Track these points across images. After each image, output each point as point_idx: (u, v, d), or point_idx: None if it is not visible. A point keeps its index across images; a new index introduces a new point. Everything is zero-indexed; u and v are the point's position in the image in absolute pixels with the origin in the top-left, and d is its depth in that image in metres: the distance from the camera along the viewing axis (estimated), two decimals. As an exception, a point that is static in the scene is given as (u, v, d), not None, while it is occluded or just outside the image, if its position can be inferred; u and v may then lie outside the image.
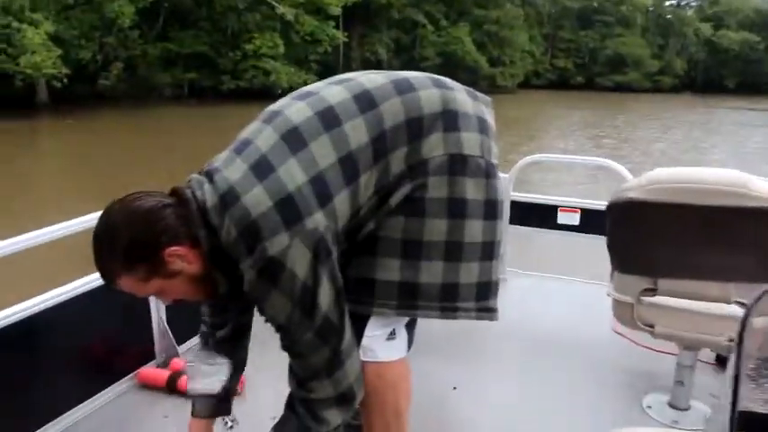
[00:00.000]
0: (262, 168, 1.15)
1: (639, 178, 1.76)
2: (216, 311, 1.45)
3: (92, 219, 1.91)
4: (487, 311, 1.32)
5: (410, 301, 1.25)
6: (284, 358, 1.26)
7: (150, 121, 20.49)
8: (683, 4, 57.64)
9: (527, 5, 45.71)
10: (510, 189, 3.00)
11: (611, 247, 1.88)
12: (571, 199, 3.05)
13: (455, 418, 2.03)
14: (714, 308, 1.79)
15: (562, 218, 2.99)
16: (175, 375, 2.09)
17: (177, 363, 2.19)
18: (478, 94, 1.38)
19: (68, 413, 1.91)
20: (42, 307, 1.81)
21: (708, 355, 2.29)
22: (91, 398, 2.00)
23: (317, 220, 1.13)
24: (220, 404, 1.47)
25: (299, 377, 1.24)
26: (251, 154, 1.17)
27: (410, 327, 1.44)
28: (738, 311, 1.76)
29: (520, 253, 3.26)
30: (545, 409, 2.04)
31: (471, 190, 1.25)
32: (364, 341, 1.29)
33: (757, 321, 0.85)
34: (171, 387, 2.08)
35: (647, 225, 1.75)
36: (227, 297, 1.24)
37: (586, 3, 51.03)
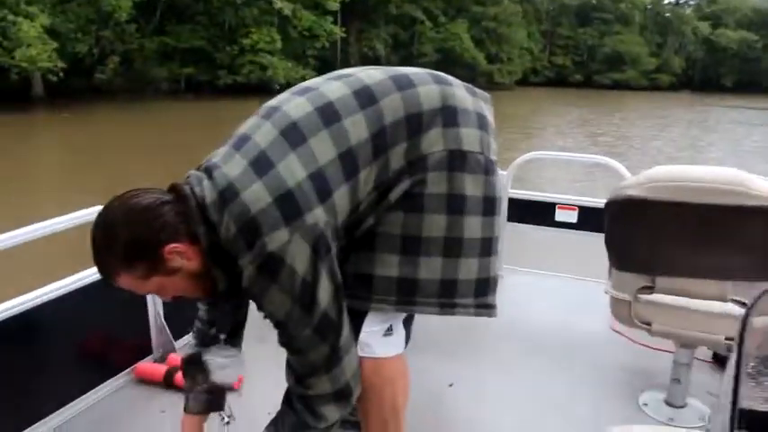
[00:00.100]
0: (261, 164, 1.14)
1: (638, 176, 1.76)
2: (211, 308, 1.45)
3: (89, 213, 1.91)
4: (486, 308, 1.32)
5: (409, 297, 1.25)
6: (281, 354, 1.26)
7: (146, 115, 20.42)
8: (681, 2, 57.79)
9: (525, 2, 45.68)
10: (508, 186, 3.00)
11: (609, 245, 1.88)
12: (569, 196, 3.05)
13: (451, 415, 2.03)
14: (711, 306, 1.79)
15: (560, 215, 2.99)
16: (172, 370, 2.09)
17: (174, 358, 2.19)
18: (477, 90, 1.38)
19: (65, 407, 1.91)
20: (39, 301, 1.80)
21: (704, 352, 2.30)
22: (88, 392, 1.99)
23: (317, 215, 1.13)
24: (213, 400, 1.47)
25: (297, 373, 1.23)
26: (250, 150, 1.17)
27: (408, 323, 1.44)
28: (735, 310, 1.76)
29: (517, 250, 3.26)
30: (541, 407, 2.05)
31: (470, 186, 1.25)
32: (362, 337, 1.29)
33: (757, 321, 0.86)
34: (168, 382, 2.07)
35: (646, 223, 1.75)
36: (226, 294, 1.23)
37: (585, 0, 51.04)
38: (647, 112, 28.89)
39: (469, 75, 30.65)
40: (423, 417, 1.86)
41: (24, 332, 1.78)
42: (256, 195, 1.11)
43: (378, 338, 1.31)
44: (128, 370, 2.15)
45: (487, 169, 1.28)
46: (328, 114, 1.19)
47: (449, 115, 1.25)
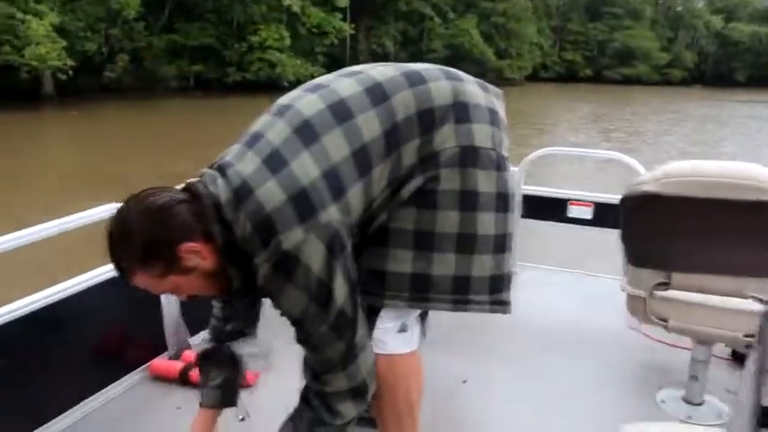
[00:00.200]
0: (274, 162, 1.14)
1: (654, 172, 1.74)
2: (226, 305, 1.45)
3: (103, 211, 1.91)
4: (501, 304, 1.32)
5: (422, 293, 1.25)
6: (297, 351, 1.26)
7: (155, 113, 20.53)
8: (693, -5, 57.10)
9: (535, -3, 45.42)
10: (521, 182, 2.98)
11: (625, 241, 1.87)
12: (583, 192, 3.02)
13: (465, 412, 2.02)
14: (729, 302, 1.77)
15: (573, 211, 2.97)
16: (187, 367, 2.09)
17: (189, 355, 2.19)
18: (489, 86, 1.38)
19: (81, 404, 1.92)
20: (55, 299, 1.81)
21: (722, 349, 2.27)
22: (103, 389, 2.00)
23: (331, 213, 1.12)
24: (226, 395, 1.48)
25: (314, 370, 1.23)
26: (263, 148, 1.16)
27: (422, 319, 1.43)
28: (755, 306, 1.74)
29: (531, 247, 3.24)
30: (556, 404, 2.04)
31: (483, 182, 1.24)
32: (376, 333, 1.29)
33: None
34: (183, 379, 2.08)
35: (662, 218, 1.74)
36: (242, 292, 1.23)
37: (595, -6, 50.69)
38: (658, 107, 28.68)
39: (479, 70, 30.49)
40: (437, 413, 1.86)
41: (40, 329, 1.79)
42: (270, 193, 1.11)
43: (392, 335, 1.31)
44: (143, 367, 2.16)
45: (499, 165, 1.28)
46: (341, 112, 1.18)
47: (461, 111, 1.24)
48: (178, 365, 2.13)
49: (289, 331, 1.23)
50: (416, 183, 1.21)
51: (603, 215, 2.88)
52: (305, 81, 1.33)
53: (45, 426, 1.80)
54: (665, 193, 1.67)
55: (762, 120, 24.77)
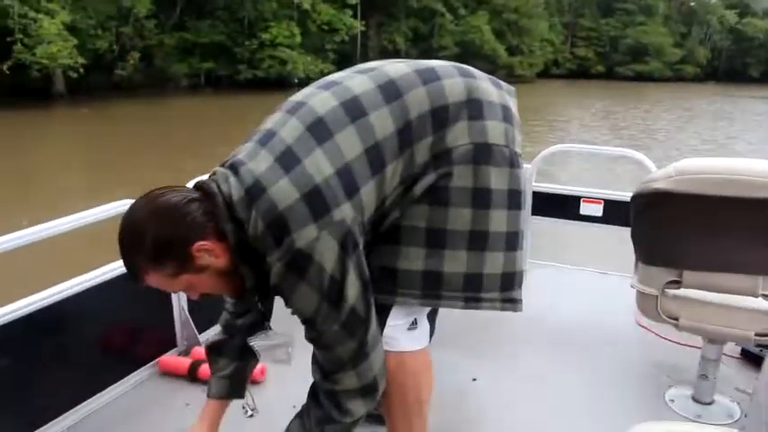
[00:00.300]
0: (287, 160, 1.13)
1: (667, 169, 1.72)
2: (238, 300, 1.46)
3: (115, 207, 1.93)
4: (512, 302, 1.31)
5: (434, 291, 1.25)
6: (305, 347, 1.26)
7: (166, 110, 20.61)
8: (706, -9, 56.47)
9: (546, -7, 45.12)
10: (532, 179, 2.97)
11: (636, 239, 1.85)
12: (594, 190, 3.01)
13: (475, 410, 2.02)
14: (741, 301, 1.76)
15: (585, 209, 2.95)
16: (197, 363, 2.10)
17: (198, 351, 2.20)
18: (502, 83, 1.37)
19: (91, 400, 1.94)
20: (64, 295, 1.83)
21: (732, 348, 2.26)
22: (112, 385, 2.02)
23: (345, 211, 1.12)
24: (233, 386, 1.49)
25: (325, 369, 1.23)
26: (276, 145, 1.16)
27: (432, 317, 1.43)
28: (766, 305, 1.72)
29: (541, 244, 3.23)
30: (566, 402, 2.03)
31: (496, 179, 1.24)
32: (386, 331, 1.29)
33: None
34: (192, 375, 2.09)
35: (674, 216, 1.72)
36: (255, 291, 1.23)
37: (607, -10, 50.28)
38: (671, 103, 28.40)
39: (490, 67, 30.37)
40: (446, 411, 1.86)
41: (50, 325, 1.81)
42: (284, 192, 1.10)
43: (402, 332, 1.31)
44: (152, 363, 2.17)
45: (512, 162, 1.27)
46: (354, 109, 1.18)
47: (474, 108, 1.24)
48: (187, 362, 2.14)
49: (300, 328, 1.23)
50: (429, 180, 1.21)
51: (614, 212, 2.86)
52: (315, 78, 1.33)
53: (55, 420, 1.82)
54: (677, 190, 1.65)
55: (776, 116, 24.48)
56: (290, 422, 1.34)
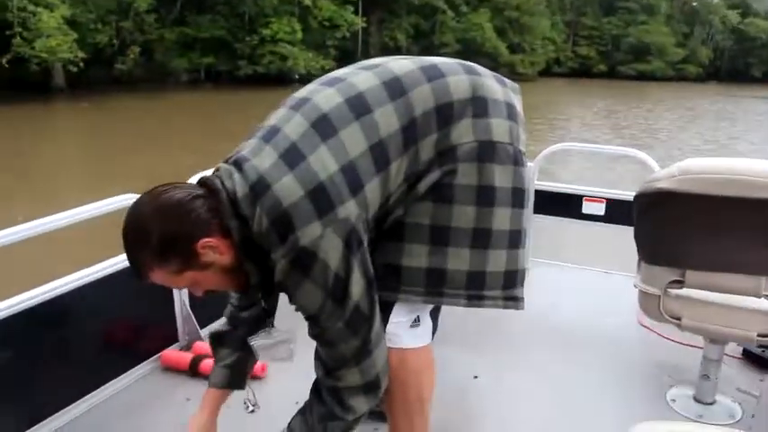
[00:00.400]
0: (292, 157, 1.13)
1: (670, 168, 1.72)
2: (243, 294, 1.45)
3: (116, 201, 1.92)
4: (514, 300, 1.31)
5: (437, 288, 1.24)
6: (308, 343, 1.26)
7: (166, 105, 20.58)
8: (709, -10, 56.35)
9: (549, -9, 45.03)
10: (535, 178, 2.97)
11: (639, 238, 1.85)
12: (597, 188, 3.00)
13: (476, 408, 2.02)
14: (744, 301, 1.75)
15: (587, 207, 2.95)
16: (198, 358, 2.11)
17: (200, 346, 2.21)
18: (507, 80, 1.37)
19: (92, 394, 1.94)
20: (66, 289, 1.82)
21: (734, 349, 2.26)
22: (114, 379, 2.02)
23: (349, 209, 1.12)
24: (233, 376, 1.49)
25: (328, 366, 1.23)
26: (280, 142, 1.16)
27: (434, 314, 1.43)
28: (770, 306, 1.72)
29: (543, 243, 3.22)
30: (567, 400, 2.03)
31: (500, 177, 1.23)
32: (388, 328, 1.28)
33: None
34: (193, 370, 2.09)
35: (677, 216, 1.72)
36: (259, 287, 1.23)
37: (609, -11, 50.17)
38: (673, 103, 28.38)
39: (491, 65, 29.71)
40: (448, 409, 1.86)
41: (52, 319, 1.81)
42: (288, 189, 1.10)
43: (405, 329, 1.31)
44: (153, 358, 2.17)
45: (516, 160, 1.27)
46: (358, 106, 1.18)
47: (479, 106, 1.23)
48: (189, 357, 2.14)
49: (302, 325, 1.23)
50: (433, 177, 1.20)
51: (616, 212, 2.86)
52: (316, 74, 1.33)
53: (56, 414, 1.82)
54: (681, 190, 1.65)
55: (778, 116, 24.45)
56: (292, 418, 1.34)
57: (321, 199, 1.10)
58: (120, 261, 1.92)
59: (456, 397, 2.02)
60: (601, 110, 24.21)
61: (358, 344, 1.19)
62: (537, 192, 2.98)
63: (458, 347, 2.28)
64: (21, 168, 10.39)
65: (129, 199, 1.86)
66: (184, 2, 26.14)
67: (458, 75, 1.25)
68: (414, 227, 1.22)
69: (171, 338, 2.25)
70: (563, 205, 3.01)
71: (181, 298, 2.23)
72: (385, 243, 1.25)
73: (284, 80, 25.50)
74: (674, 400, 2.03)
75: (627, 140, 15.52)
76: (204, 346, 2.18)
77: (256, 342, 1.42)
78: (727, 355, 2.05)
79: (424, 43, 34.90)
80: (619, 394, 2.07)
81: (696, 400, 2.01)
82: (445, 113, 1.21)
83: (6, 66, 18.95)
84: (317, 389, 1.28)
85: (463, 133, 1.21)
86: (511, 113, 1.29)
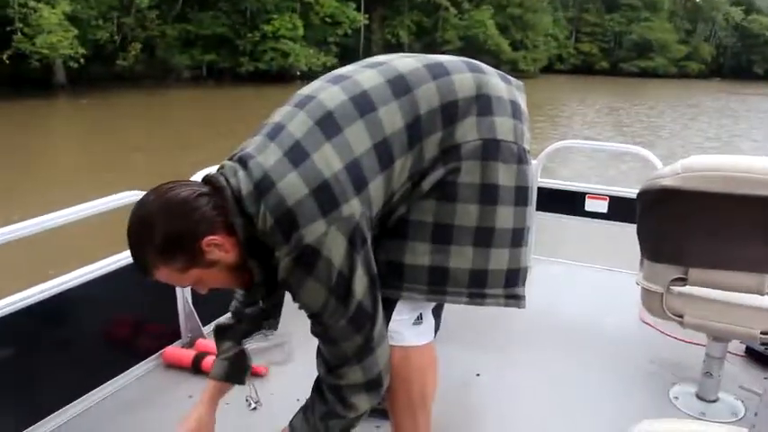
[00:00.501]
0: (296, 154, 1.13)
1: (674, 165, 1.71)
2: (247, 291, 1.45)
3: (119, 198, 1.92)
4: (515, 299, 1.31)
5: (439, 286, 1.24)
6: (309, 341, 1.25)
7: (167, 101, 20.58)
8: (712, -13, 56.14)
9: (551, -12, 44.94)
10: (537, 175, 2.96)
11: (642, 235, 1.84)
12: (599, 186, 3.00)
13: (479, 405, 2.02)
14: (747, 299, 1.75)
15: (590, 205, 2.95)
16: (200, 356, 2.10)
17: (202, 343, 2.21)
18: (511, 78, 1.36)
19: (94, 391, 1.94)
20: (69, 285, 1.82)
21: (737, 346, 2.25)
22: (116, 376, 2.02)
23: (354, 206, 1.12)
24: (233, 370, 1.49)
25: (330, 363, 1.23)
26: (284, 139, 1.15)
27: (437, 312, 1.42)
28: (773, 303, 1.72)
29: (546, 240, 3.22)
30: (570, 398, 2.03)
31: (503, 176, 1.23)
32: (391, 325, 1.28)
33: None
34: (196, 367, 2.09)
35: (680, 213, 1.71)
36: (263, 286, 1.23)
37: (612, -15, 50.03)
38: (675, 100, 28.33)
39: (493, 62, 30.00)
40: (450, 406, 1.86)
41: (54, 316, 1.81)
42: (292, 186, 1.10)
43: (407, 327, 1.31)
44: (156, 355, 2.17)
45: (520, 158, 1.27)
46: (363, 104, 1.17)
47: (483, 104, 1.23)
48: (191, 354, 2.14)
49: (304, 323, 1.23)
50: (437, 175, 1.20)
51: (619, 209, 2.85)
52: (318, 71, 1.33)
53: (57, 412, 1.82)
54: (685, 187, 1.64)
55: (781, 114, 24.39)
56: (294, 416, 1.34)
57: (325, 197, 1.10)
58: (123, 258, 1.92)
59: (458, 394, 2.02)
60: (603, 107, 24.18)
61: (360, 342, 1.19)
62: (540, 189, 2.97)
63: (460, 345, 2.28)
64: (21, 165, 10.39)
65: (132, 196, 1.85)
66: (186, -2, 26.16)
67: (462, 73, 1.25)
68: (417, 225, 1.22)
69: (173, 336, 2.25)
70: (566, 203, 3.01)
71: (183, 295, 2.23)
72: (388, 241, 1.24)
73: (285, 77, 25.50)
74: (676, 398, 2.02)
75: (629, 138, 15.49)
76: (206, 343, 2.18)
77: (251, 345, 1.42)
78: (730, 352, 2.04)
79: (426, 40, 34.86)
80: (621, 392, 2.07)
81: (699, 397, 2.01)
82: (450, 111, 1.20)
83: (7, 62, 18.93)
84: (318, 387, 1.28)
85: (467, 131, 1.21)
86: (515, 111, 1.28)
